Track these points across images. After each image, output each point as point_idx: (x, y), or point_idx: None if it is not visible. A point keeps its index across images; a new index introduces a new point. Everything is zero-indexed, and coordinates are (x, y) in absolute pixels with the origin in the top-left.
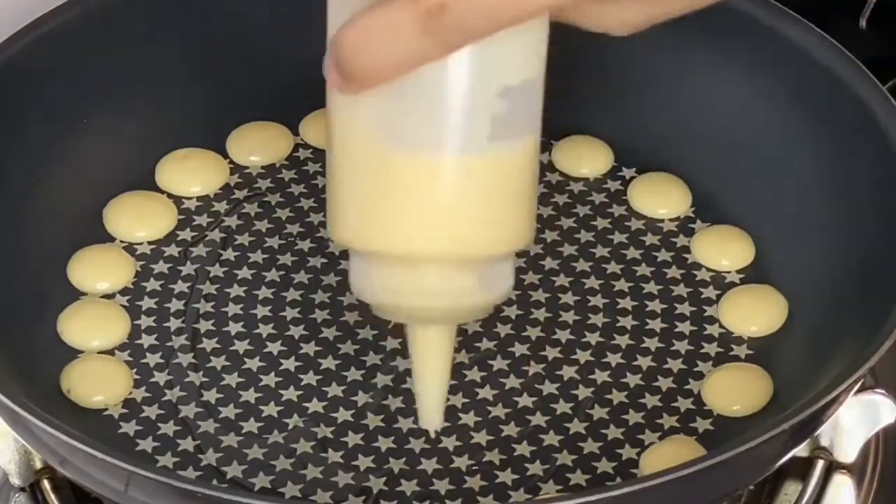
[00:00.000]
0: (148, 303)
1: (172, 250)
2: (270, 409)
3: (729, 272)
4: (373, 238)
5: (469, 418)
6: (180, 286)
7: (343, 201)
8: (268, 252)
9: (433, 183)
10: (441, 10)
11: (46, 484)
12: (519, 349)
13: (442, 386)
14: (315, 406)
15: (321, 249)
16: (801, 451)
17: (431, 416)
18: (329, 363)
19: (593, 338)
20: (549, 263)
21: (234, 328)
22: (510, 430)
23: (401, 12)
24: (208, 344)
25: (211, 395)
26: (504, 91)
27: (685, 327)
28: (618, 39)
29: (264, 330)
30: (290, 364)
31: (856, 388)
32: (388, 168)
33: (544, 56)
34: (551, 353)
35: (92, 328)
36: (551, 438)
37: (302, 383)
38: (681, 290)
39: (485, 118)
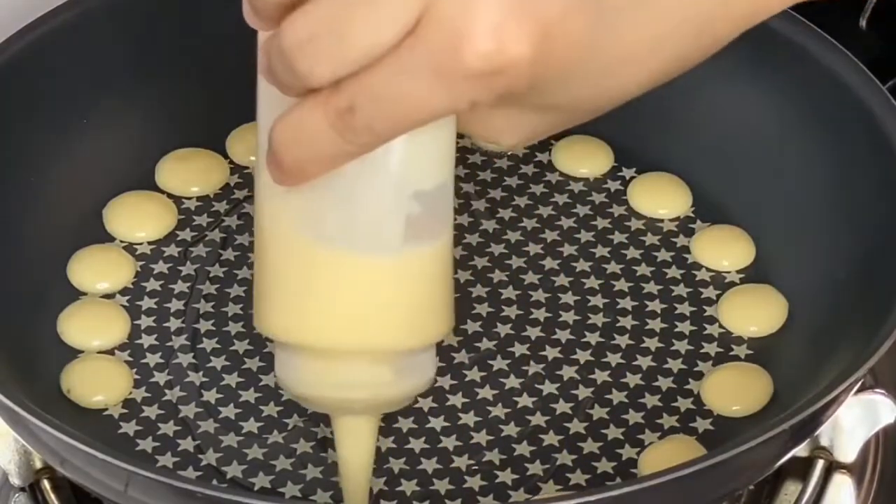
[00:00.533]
0: (148, 303)
1: (172, 250)
2: (270, 409)
3: (729, 272)
4: (293, 330)
5: (469, 418)
6: (180, 286)
7: (266, 291)
8: None
9: (349, 280)
10: (350, 110)
11: (46, 484)
12: (519, 349)
13: (365, 475)
14: None
15: None
16: (801, 451)
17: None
18: None
19: (593, 338)
20: (549, 263)
21: (233, 328)
22: (510, 430)
23: (314, 112)
24: (208, 344)
25: (211, 395)
26: (418, 195)
27: (685, 327)
28: None
29: None
30: None
31: (856, 388)
32: (308, 262)
33: (454, 159)
34: (551, 353)
35: (92, 328)
36: (551, 438)
37: None
38: (681, 290)
39: (399, 221)
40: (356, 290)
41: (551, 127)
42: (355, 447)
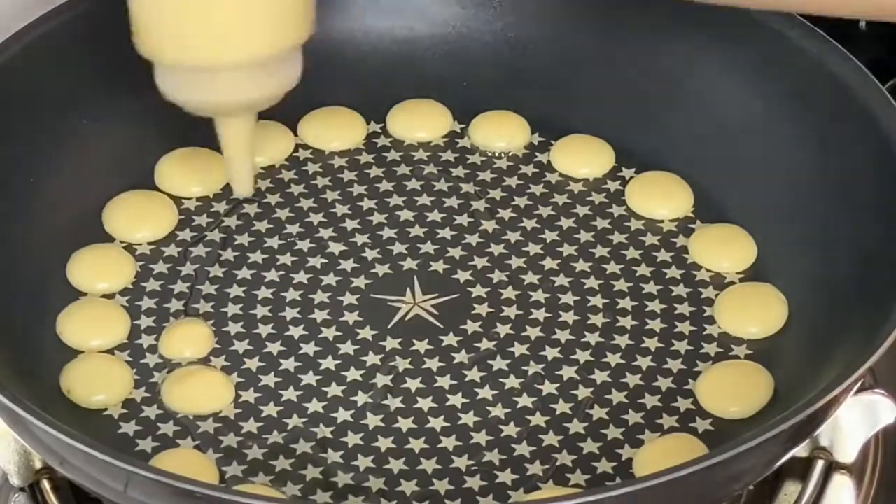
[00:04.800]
0: (148, 303)
1: (172, 250)
2: (270, 409)
3: (729, 273)
4: (169, 51)
5: (469, 418)
6: (180, 286)
7: (142, 19)
8: (267, 252)
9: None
10: None
11: (46, 484)
12: (519, 349)
13: (248, 159)
14: (315, 406)
15: (321, 249)
16: (801, 451)
17: (241, 183)
18: (329, 363)
19: (593, 338)
20: (549, 263)
21: (233, 328)
22: (510, 430)
23: None
24: None
25: None
26: None
27: (685, 327)
28: (618, 39)
29: (264, 330)
30: (289, 364)
31: (856, 388)
32: None
33: None
34: (551, 353)
35: (92, 328)
36: (551, 438)
37: (302, 383)
38: (680, 290)
39: None
40: (217, 8)
41: None
42: (237, 142)
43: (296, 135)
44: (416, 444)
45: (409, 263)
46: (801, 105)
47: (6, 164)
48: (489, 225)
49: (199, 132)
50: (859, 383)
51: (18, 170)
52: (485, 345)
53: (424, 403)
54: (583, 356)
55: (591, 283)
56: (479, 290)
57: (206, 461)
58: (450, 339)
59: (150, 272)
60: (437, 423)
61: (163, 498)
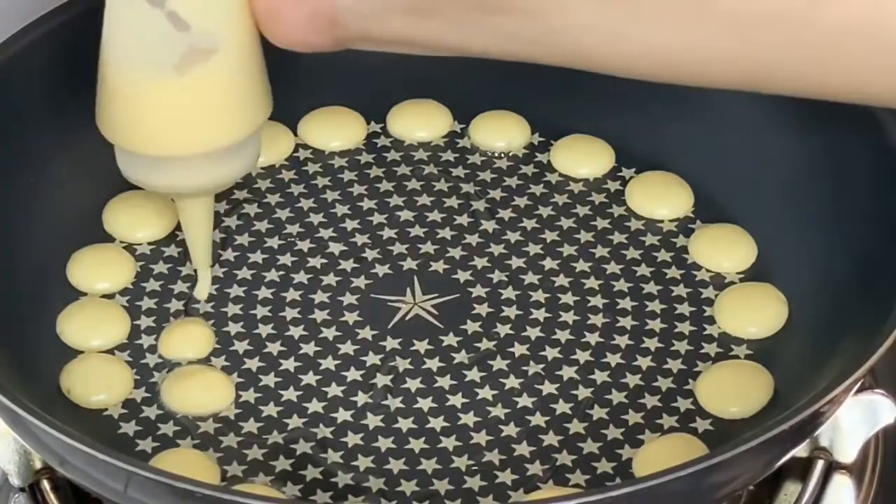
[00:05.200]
0: (148, 303)
1: (172, 250)
2: (270, 409)
3: (729, 273)
4: (124, 140)
5: (469, 418)
6: (180, 286)
7: (102, 104)
8: (268, 252)
9: (153, 98)
10: None
11: (46, 484)
12: (519, 349)
13: (206, 242)
14: (315, 406)
15: (321, 249)
16: (801, 451)
17: (200, 260)
18: (329, 363)
19: (593, 338)
20: (549, 263)
21: (233, 328)
22: (510, 430)
23: None
24: None
25: None
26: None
27: (685, 327)
28: None
29: (264, 330)
30: (289, 364)
31: (855, 388)
32: (121, 83)
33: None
34: (551, 353)
35: (92, 328)
36: (551, 438)
37: (302, 383)
38: (680, 290)
39: (171, 46)
40: (163, 106)
41: None
42: (197, 222)
43: (296, 135)
44: (416, 445)
45: (409, 263)
46: (801, 105)
47: (6, 164)
48: (489, 225)
49: None
50: (859, 383)
51: (18, 170)
52: (485, 345)
53: (424, 403)
54: (583, 356)
55: (591, 283)
56: (479, 290)
57: (207, 461)
58: (450, 339)
59: (150, 272)
60: (437, 423)
61: (163, 498)
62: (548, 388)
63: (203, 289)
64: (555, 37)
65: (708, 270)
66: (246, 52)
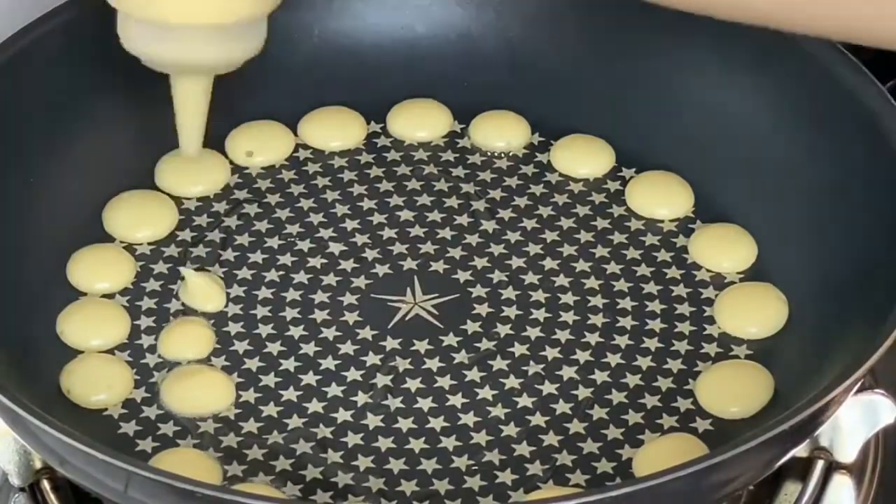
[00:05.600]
0: (148, 303)
1: (172, 250)
2: (270, 409)
3: (729, 273)
4: (135, 6)
5: (469, 418)
6: (180, 286)
7: None
8: (268, 252)
9: None
10: None
11: (46, 484)
12: (519, 349)
13: (200, 120)
14: (315, 406)
15: (321, 249)
16: (801, 451)
17: (189, 143)
18: (329, 363)
19: (593, 338)
20: (549, 263)
21: (233, 328)
22: (510, 430)
23: None
24: None
25: None
26: None
27: (685, 327)
28: (619, 39)
29: (264, 330)
30: (289, 364)
31: (856, 388)
32: None
33: None
34: (551, 353)
35: (92, 328)
36: (551, 438)
37: (302, 383)
38: (680, 290)
39: None
40: None
41: None
42: (191, 102)
43: (296, 135)
44: (416, 444)
45: (409, 263)
46: (800, 105)
47: (6, 164)
48: (489, 225)
49: None
50: (859, 383)
51: (18, 170)
52: (485, 345)
53: (424, 403)
54: (583, 356)
55: (591, 283)
56: (479, 290)
57: (209, 460)
58: (450, 339)
59: (150, 272)
60: (437, 423)
61: (163, 498)
62: (548, 388)
63: (189, 146)
64: None
65: (708, 270)
66: None
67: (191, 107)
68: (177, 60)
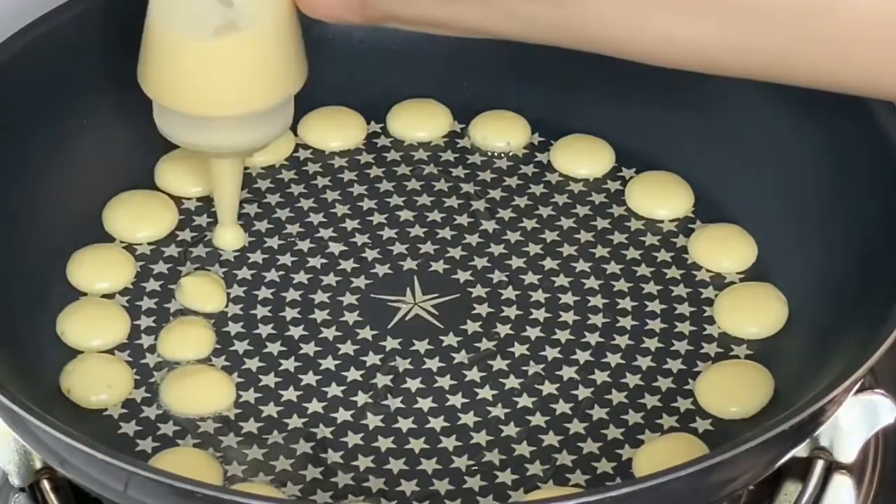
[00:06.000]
0: (148, 303)
1: (172, 250)
2: (270, 410)
3: (729, 273)
4: (164, 96)
5: (469, 418)
6: (178, 290)
7: (146, 62)
8: (268, 252)
9: (195, 60)
10: None
11: (46, 484)
12: (519, 349)
13: (235, 197)
14: (315, 406)
15: (321, 249)
16: (801, 451)
17: (225, 216)
18: (329, 363)
19: (593, 338)
20: (549, 263)
21: (233, 328)
22: (510, 430)
23: None
24: None
25: None
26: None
27: (685, 327)
28: None
29: (264, 330)
30: (289, 364)
31: (856, 388)
32: (164, 43)
33: None
34: (551, 353)
35: (92, 328)
36: (551, 438)
37: (302, 383)
38: (680, 290)
39: (212, 19)
40: (201, 68)
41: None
42: (227, 181)
43: (296, 135)
44: (416, 444)
45: (409, 263)
46: (800, 105)
47: (6, 164)
48: (489, 225)
49: None
50: (859, 383)
51: (18, 170)
52: (485, 345)
53: (424, 403)
54: (583, 356)
55: (591, 283)
56: (479, 290)
57: (209, 460)
58: (450, 339)
59: (150, 272)
60: (437, 423)
61: (163, 498)
62: (548, 388)
63: (230, 239)
64: (575, 22)
65: (708, 270)
66: (282, 27)
67: (226, 184)
68: (209, 146)
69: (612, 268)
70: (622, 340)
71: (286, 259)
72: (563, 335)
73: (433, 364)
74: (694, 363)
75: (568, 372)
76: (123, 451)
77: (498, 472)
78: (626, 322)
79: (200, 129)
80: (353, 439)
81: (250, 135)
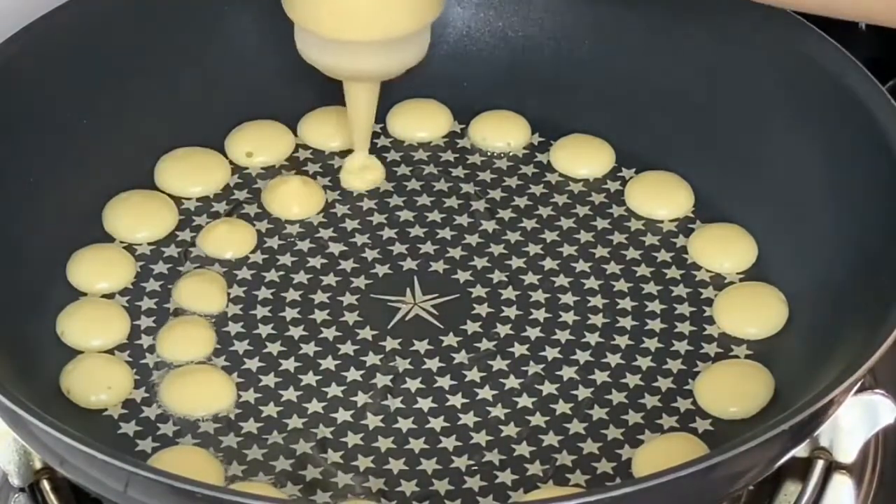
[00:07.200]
0: (148, 303)
1: (172, 250)
2: (270, 410)
3: (729, 273)
4: (310, 20)
5: (469, 418)
6: (175, 291)
7: None
8: (268, 252)
9: None
10: None
11: (46, 484)
12: (519, 349)
13: (369, 120)
14: (315, 406)
15: (321, 249)
16: (801, 451)
17: (360, 140)
18: (329, 363)
19: (593, 338)
20: (549, 264)
21: (233, 329)
22: (510, 430)
23: None
24: None
25: None
26: None
27: (685, 327)
28: (618, 38)
29: (264, 330)
30: (289, 364)
31: (856, 388)
32: None
33: None
34: (551, 353)
35: (92, 328)
36: (551, 438)
37: (302, 384)
38: (680, 290)
39: None
40: None
41: None
42: (361, 105)
43: (296, 135)
44: (416, 445)
45: (409, 263)
46: (801, 105)
47: (6, 164)
48: (489, 225)
49: (199, 132)
50: (859, 383)
51: (18, 170)
52: (485, 345)
53: (424, 404)
54: (583, 356)
55: (591, 283)
56: (479, 290)
57: (209, 460)
58: (450, 339)
59: (150, 272)
60: (437, 423)
61: (163, 498)
62: (548, 388)
63: (358, 163)
64: None
65: (708, 270)
66: None
67: (361, 108)
68: (347, 70)
69: (612, 268)
70: (622, 340)
71: (286, 259)
72: (563, 335)
73: (433, 364)
74: (694, 363)
75: (568, 372)
76: (123, 451)
77: (498, 472)
78: (626, 322)
79: (338, 53)
80: (353, 439)
81: (385, 60)
